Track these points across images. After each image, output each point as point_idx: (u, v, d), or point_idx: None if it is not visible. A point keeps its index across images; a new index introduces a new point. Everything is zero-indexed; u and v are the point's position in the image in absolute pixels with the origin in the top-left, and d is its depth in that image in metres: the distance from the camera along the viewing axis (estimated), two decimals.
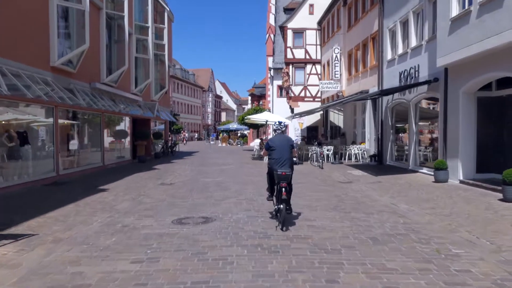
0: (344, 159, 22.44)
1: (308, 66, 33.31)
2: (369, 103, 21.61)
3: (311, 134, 34.54)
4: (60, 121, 14.39)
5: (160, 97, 26.03)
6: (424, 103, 16.52)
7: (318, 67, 33.07)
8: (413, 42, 16.24)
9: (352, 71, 25.28)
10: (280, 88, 43.04)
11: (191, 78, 78.08)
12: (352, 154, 21.76)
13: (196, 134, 78.50)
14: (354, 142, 24.35)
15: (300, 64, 33.29)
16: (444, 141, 13.58)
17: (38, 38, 12.18)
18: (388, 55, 18.99)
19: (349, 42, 25.36)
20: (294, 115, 26.45)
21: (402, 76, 16.95)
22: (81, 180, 13.92)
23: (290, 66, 33.30)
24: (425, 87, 14.94)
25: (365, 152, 21.68)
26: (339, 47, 26.46)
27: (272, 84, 43.73)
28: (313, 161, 21.19)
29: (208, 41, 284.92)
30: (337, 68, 26.57)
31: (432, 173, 14.10)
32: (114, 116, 19.60)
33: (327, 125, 32.20)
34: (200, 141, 67.23)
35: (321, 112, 32.26)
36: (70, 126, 15.66)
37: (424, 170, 15.33)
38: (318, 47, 32.98)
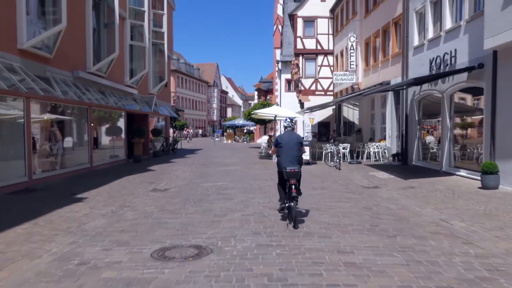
0: (362, 158, 20.20)
1: (320, 57, 31.02)
2: (390, 96, 19.33)
3: (322, 131, 32.35)
4: (38, 116, 12.34)
5: (159, 90, 23.84)
6: (456, 96, 14.22)
7: (330, 58, 30.78)
8: (448, 24, 13.92)
9: (370, 61, 22.97)
10: (289, 82, 40.86)
11: (195, 72, 75.84)
12: (371, 152, 19.50)
13: (201, 131, 76.34)
14: (371, 139, 22.10)
15: (311, 55, 31.02)
16: (492, 139, 11.28)
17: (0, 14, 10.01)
18: (415, 41, 16.70)
19: (367, 29, 23.03)
20: (306, 109, 24.19)
21: (433, 63, 14.65)
22: (59, 186, 11.81)
23: (300, 58, 31.04)
24: (464, 75, 12.65)
25: (385, 151, 19.41)
26: (355, 35, 24.15)
27: (279, 78, 41.57)
28: (328, 160, 18.98)
29: (213, 35, 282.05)
30: (353, 58, 24.25)
31: (473, 177, 11.95)
32: (105, 111, 17.49)
33: (340, 121, 29.94)
34: (205, 138, 65.02)
35: (334, 106, 30.04)
36: (51, 122, 13.57)
37: (462, 172, 13.07)
38: (331, 36, 30.68)
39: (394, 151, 18.83)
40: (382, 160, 19.09)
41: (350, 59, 24.31)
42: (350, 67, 24.32)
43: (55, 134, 13.75)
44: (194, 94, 75.04)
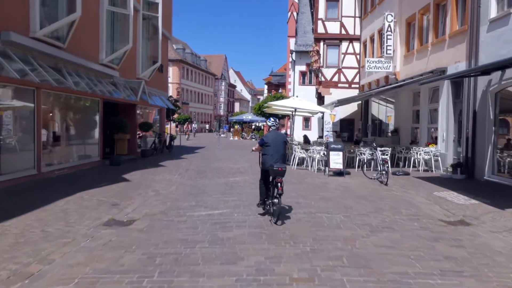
0: (404, 165, 15.66)
1: (344, 44, 26.36)
2: (446, 88, 14.76)
3: (344, 129, 27.78)
4: None
5: (150, 75, 19.31)
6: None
7: (356, 45, 26.12)
8: None
9: (413, 44, 18.33)
10: (303, 74, 36.55)
11: (202, 64, 71.38)
12: (421, 160, 14.93)
13: (208, 125, 71.92)
14: (414, 142, 17.57)
15: (334, 40, 26.37)
16: None
17: None
18: (492, 11, 12.22)
19: (410, 6, 18.42)
20: (334, 102, 19.57)
21: None
22: None
23: (321, 43, 26.40)
24: None
25: (438, 158, 14.83)
26: (392, 14, 19.53)
27: (293, 70, 37.42)
28: (365, 169, 14.45)
29: (222, 27, 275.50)
30: (390, 42, 19.62)
31: None
32: (71, 97, 13.06)
33: (367, 119, 25.34)
34: (211, 133, 60.40)
35: (359, 102, 25.47)
36: None
37: None
38: (357, 20, 26.01)
39: (450, 159, 14.33)
40: (435, 171, 14.56)
41: (386, 43, 19.70)
42: (387, 53, 19.71)
43: None
44: (200, 87, 70.70)
